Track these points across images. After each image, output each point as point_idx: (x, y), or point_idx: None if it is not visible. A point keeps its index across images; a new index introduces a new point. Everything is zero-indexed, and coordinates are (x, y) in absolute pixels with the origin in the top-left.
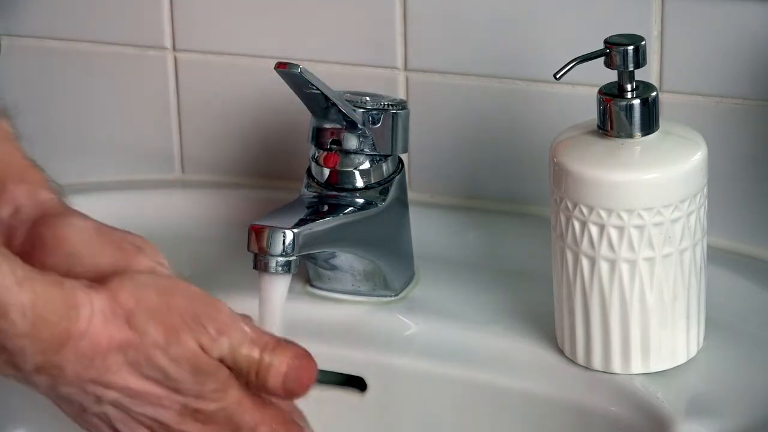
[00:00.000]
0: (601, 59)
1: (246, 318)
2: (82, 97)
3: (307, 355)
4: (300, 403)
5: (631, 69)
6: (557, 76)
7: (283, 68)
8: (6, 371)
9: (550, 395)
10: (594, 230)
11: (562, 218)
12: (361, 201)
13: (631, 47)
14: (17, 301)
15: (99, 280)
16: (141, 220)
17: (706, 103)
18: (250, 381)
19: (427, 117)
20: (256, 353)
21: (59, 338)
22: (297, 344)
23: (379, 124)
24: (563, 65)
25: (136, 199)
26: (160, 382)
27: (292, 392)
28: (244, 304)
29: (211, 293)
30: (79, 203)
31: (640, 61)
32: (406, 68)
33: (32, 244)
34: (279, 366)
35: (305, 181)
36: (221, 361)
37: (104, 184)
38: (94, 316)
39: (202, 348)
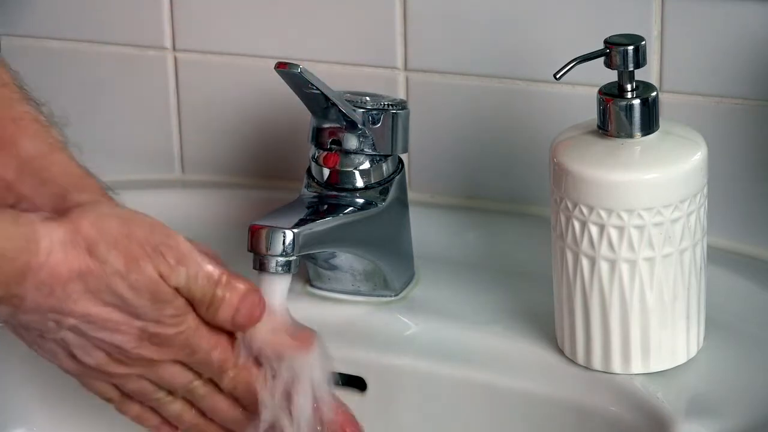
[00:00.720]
0: (601, 59)
1: (205, 252)
2: (82, 97)
3: (257, 291)
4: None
5: (631, 69)
6: (557, 76)
7: (283, 68)
8: None
9: (550, 395)
10: (594, 230)
11: (562, 218)
12: (361, 201)
13: (631, 47)
14: None
15: (60, 212)
16: None
17: (706, 103)
18: (201, 312)
19: (427, 117)
20: (210, 286)
21: (19, 272)
22: (249, 281)
23: (379, 124)
24: (563, 65)
25: (136, 199)
26: (120, 307)
27: (240, 326)
28: None
29: None
30: None
31: (640, 61)
32: (406, 68)
33: None
34: (230, 300)
35: (305, 181)
36: (177, 290)
37: (104, 184)
38: (53, 247)
39: (162, 276)
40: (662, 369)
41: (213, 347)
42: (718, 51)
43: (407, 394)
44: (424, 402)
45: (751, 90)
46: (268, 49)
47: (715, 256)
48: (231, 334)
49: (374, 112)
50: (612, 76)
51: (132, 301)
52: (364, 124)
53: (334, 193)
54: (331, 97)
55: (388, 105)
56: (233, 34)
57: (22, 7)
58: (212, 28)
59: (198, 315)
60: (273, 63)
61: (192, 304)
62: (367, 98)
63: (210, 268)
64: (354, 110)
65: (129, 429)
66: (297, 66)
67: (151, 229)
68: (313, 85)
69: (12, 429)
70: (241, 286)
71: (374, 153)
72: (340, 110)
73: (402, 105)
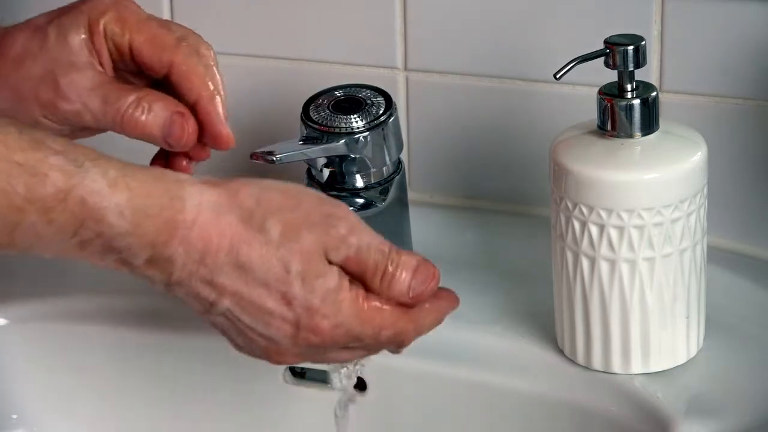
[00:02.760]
0: (601, 59)
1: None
2: None
3: (429, 263)
4: (300, 403)
5: (631, 69)
6: (557, 76)
7: (257, 159)
8: (120, 269)
9: (550, 395)
10: (594, 230)
11: (562, 218)
12: (361, 201)
13: (631, 47)
14: (111, 203)
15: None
16: None
17: (706, 103)
18: (373, 285)
19: (426, 117)
20: (382, 257)
21: (164, 229)
22: (417, 254)
23: (368, 146)
24: (563, 65)
25: None
26: (272, 289)
27: (417, 297)
28: None
29: None
30: None
31: (640, 61)
32: (406, 68)
33: None
34: (405, 270)
35: (305, 181)
36: (345, 262)
37: None
38: (202, 207)
39: (325, 249)
40: (662, 369)
41: (381, 328)
42: (718, 51)
43: (407, 394)
44: (424, 402)
45: (751, 90)
46: (268, 49)
47: (715, 256)
48: (398, 306)
49: (360, 135)
50: (612, 76)
51: (283, 278)
52: (353, 152)
53: (335, 193)
54: (312, 156)
55: (372, 122)
56: (233, 34)
57: (21, 8)
58: (212, 28)
59: (368, 288)
60: (273, 63)
61: (363, 275)
62: (356, 117)
63: (381, 240)
64: (339, 142)
65: (129, 429)
66: (272, 157)
67: (321, 201)
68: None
69: (12, 429)
70: (412, 260)
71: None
72: (327, 156)
73: (389, 111)
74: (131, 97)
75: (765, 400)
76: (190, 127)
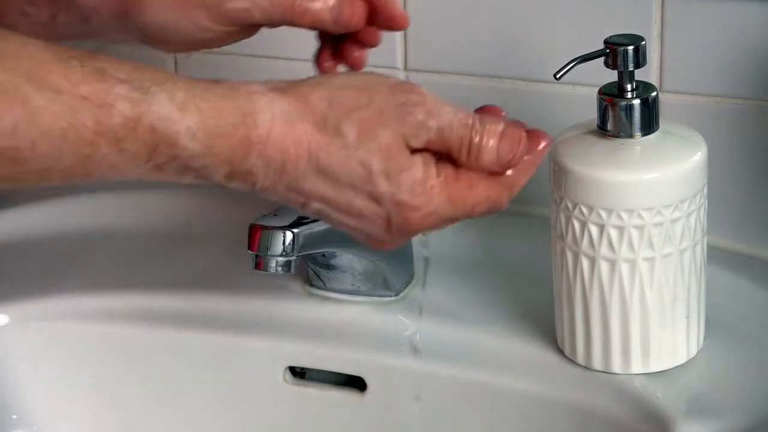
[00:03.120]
0: (601, 59)
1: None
2: None
3: (514, 125)
4: (299, 403)
5: (631, 69)
6: (557, 76)
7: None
8: (202, 182)
9: (550, 395)
10: (594, 230)
11: (562, 218)
12: None
13: (631, 47)
14: (182, 127)
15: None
16: (141, 220)
17: (706, 103)
18: (460, 160)
19: None
20: (466, 131)
21: (239, 147)
22: (500, 119)
23: None
24: (563, 65)
25: (136, 199)
26: (358, 190)
27: (506, 164)
28: (244, 304)
29: (211, 293)
30: (80, 203)
31: (640, 61)
32: (406, 68)
33: None
34: (492, 138)
35: None
36: (427, 145)
37: (104, 184)
38: (274, 120)
39: (405, 139)
40: (662, 369)
41: (473, 205)
42: (718, 51)
43: (407, 394)
44: (424, 402)
45: (751, 90)
46: (268, 50)
47: (715, 256)
48: (489, 176)
49: None
50: (612, 76)
51: (366, 178)
52: None
53: None
54: None
55: None
56: None
57: None
58: None
59: (456, 163)
60: (273, 63)
61: (449, 153)
62: None
63: (462, 114)
64: None
65: (129, 429)
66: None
67: (393, 90)
68: None
69: (12, 429)
70: (497, 126)
71: None
72: None
73: None
74: None
75: (765, 400)
76: (359, 7)
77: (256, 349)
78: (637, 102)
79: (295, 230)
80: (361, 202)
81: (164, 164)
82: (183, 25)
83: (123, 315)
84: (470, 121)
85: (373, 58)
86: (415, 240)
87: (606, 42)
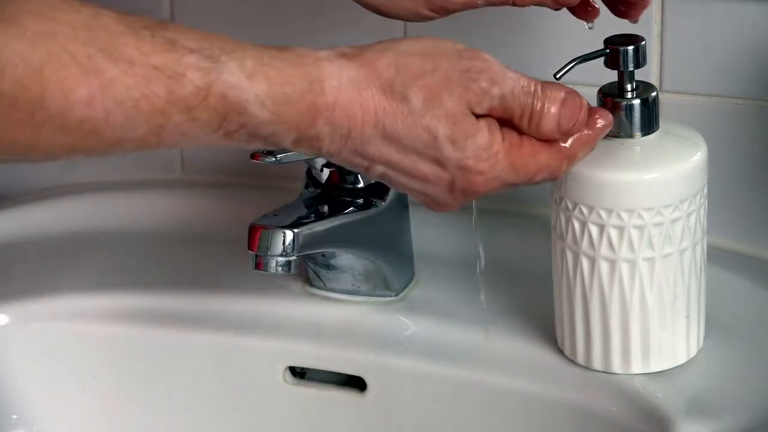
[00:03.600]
0: (601, 59)
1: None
2: None
3: (576, 93)
4: (299, 403)
5: (631, 69)
6: (557, 76)
7: (257, 159)
8: (269, 147)
9: (550, 395)
10: (594, 230)
11: (562, 218)
12: (361, 201)
13: (631, 47)
14: (250, 95)
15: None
16: (141, 220)
17: (706, 103)
18: (522, 127)
19: None
20: (528, 99)
21: (307, 113)
22: (563, 86)
23: None
24: (563, 65)
25: (136, 199)
26: (424, 155)
27: (567, 132)
28: (244, 304)
29: (211, 293)
30: (80, 203)
31: (640, 61)
32: None
33: None
34: (552, 106)
35: (305, 181)
36: (491, 111)
37: (104, 184)
38: (341, 86)
39: (469, 105)
40: (662, 369)
41: (534, 173)
42: (718, 51)
43: (407, 394)
44: (424, 402)
45: (751, 90)
46: None
47: (715, 256)
48: (551, 144)
49: None
50: (612, 76)
51: (432, 144)
52: None
53: (335, 193)
54: (312, 157)
55: None
56: (233, 34)
57: None
58: (212, 28)
59: (519, 131)
60: None
61: (511, 120)
62: None
63: (524, 80)
64: None
65: (129, 428)
66: (272, 158)
67: (458, 56)
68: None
69: (12, 429)
70: (558, 93)
71: None
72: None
73: None
74: None
75: (765, 400)
76: None
77: (256, 349)
78: (637, 102)
79: (295, 230)
80: (425, 166)
81: (234, 132)
82: (400, 11)
83: (123, 315)
84: (532, 88)
85: None
86: (416, 240)
87: (606, 42)
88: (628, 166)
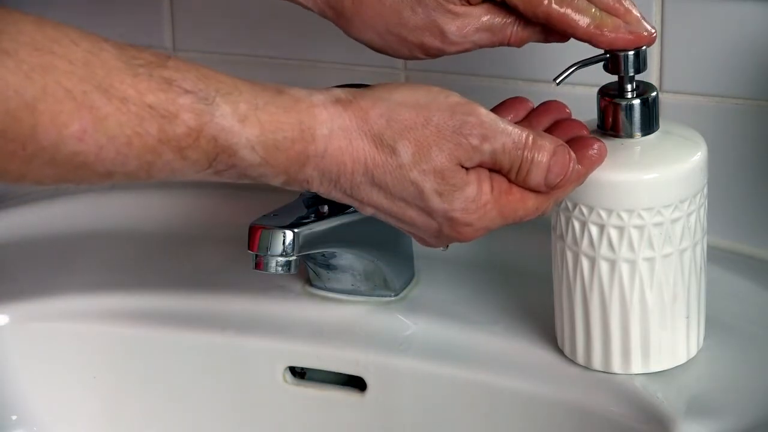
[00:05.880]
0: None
1: (507, 108)
2: None
3: (565, 147)
4: (299, 403)
5: (631, 74)
6: (557, 82)
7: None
8: (259, 184)
9: (550, 395)
10: (594, 230)
11: (562, 218)
12: None
13: (631, 51)
14: (241, 139)
15: (352, 96)
16: (141, 220)
17: (706, 103)
18: (511, 178)
19: None
20: (518, 152)
21: (296, 159)
22: (555, 138)
23: None
24: (563, 70)
25: (136, 199)
26: (411, 203)
27: (554, 186)
28: (244, 304)
29: (211, 293)
30: (80, 204)
31: (640, 66)
32: (406, 68)
33: None
34: (540, 161)
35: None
36: (481, 164)
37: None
38: (332, 135)
39: (459, 160)
40: (662, 369)
41: (520, 218)
42: (718, 51)
43: (407, 394)
44: (424, 402)
45: (751, 90)
46: (268, 50)
47: (715, 256)
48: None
49: None
50: (612, 75)
51: (419, 196)
52: None
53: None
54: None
55: None
56: (232, 34)
57: (20, 9)
58: (212, 28)
59: (509, 180)
60: (273, 63)
61: (500, 172)
62: None
63: (516, 134)
64: None
65: (128, 428)
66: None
67: (452, 110)
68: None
69: (12, 429)
70: (548, 145)
71: None
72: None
73: None
74: (511, 19)
75: (765, 400)
76: None
77: (256, 349)
78: (637, 102)
79: (295, 230)
80: (413, 213)
81: (223, 171)
82: (392, 51)
83: (123, 315)
84: (523, 141)
85: (373, 58)
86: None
87: None
88: (628, 166)
